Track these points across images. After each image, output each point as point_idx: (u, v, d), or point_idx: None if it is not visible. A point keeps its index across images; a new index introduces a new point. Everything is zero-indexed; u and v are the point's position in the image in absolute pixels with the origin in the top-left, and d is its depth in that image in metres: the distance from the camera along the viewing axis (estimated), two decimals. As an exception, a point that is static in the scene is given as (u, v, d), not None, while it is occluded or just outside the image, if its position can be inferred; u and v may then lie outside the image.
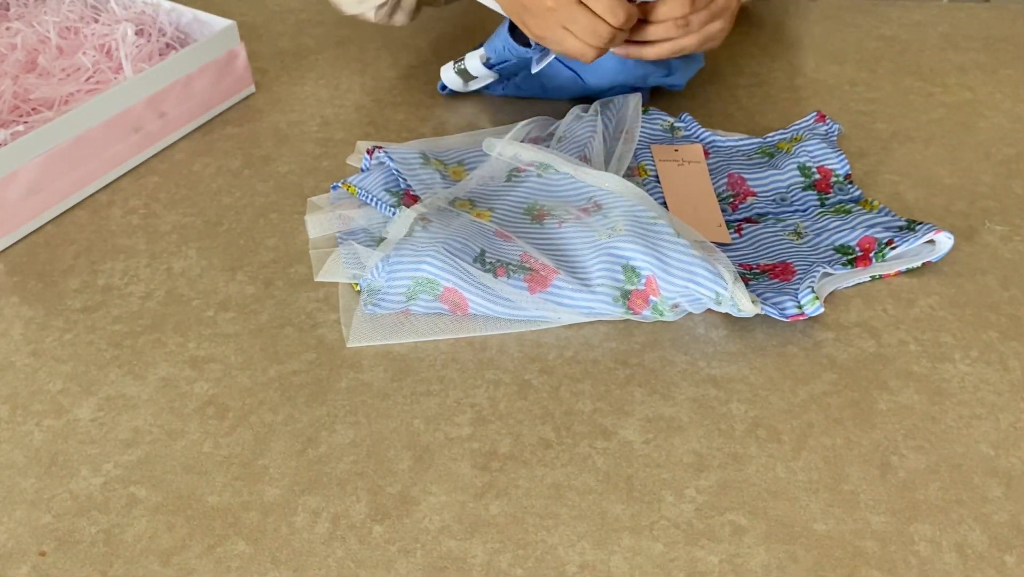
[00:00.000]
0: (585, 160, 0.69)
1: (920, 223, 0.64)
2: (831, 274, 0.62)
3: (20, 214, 0.67)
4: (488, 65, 0.77)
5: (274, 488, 0.51)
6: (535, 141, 0.73)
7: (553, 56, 0.72)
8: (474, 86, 0.81)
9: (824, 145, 0.71)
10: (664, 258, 0.58)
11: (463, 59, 0.78)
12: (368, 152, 0.70)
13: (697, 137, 0.75)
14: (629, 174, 0.70)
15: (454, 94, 0.82)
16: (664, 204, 0.68)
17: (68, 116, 0.68)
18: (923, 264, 0.64)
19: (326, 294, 0.63)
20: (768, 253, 0.65)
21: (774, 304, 0.59)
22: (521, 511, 0.50)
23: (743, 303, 0.57)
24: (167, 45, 0.82)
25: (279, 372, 0.58)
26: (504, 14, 0.70)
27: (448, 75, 0.80)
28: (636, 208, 0.61)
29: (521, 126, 0.73)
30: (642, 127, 0.74)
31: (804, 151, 0.71)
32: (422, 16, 0.95)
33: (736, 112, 0.80)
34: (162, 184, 0.73)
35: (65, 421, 0.55)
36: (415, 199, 0.66)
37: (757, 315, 0.59)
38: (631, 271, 0.59)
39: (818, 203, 0.69)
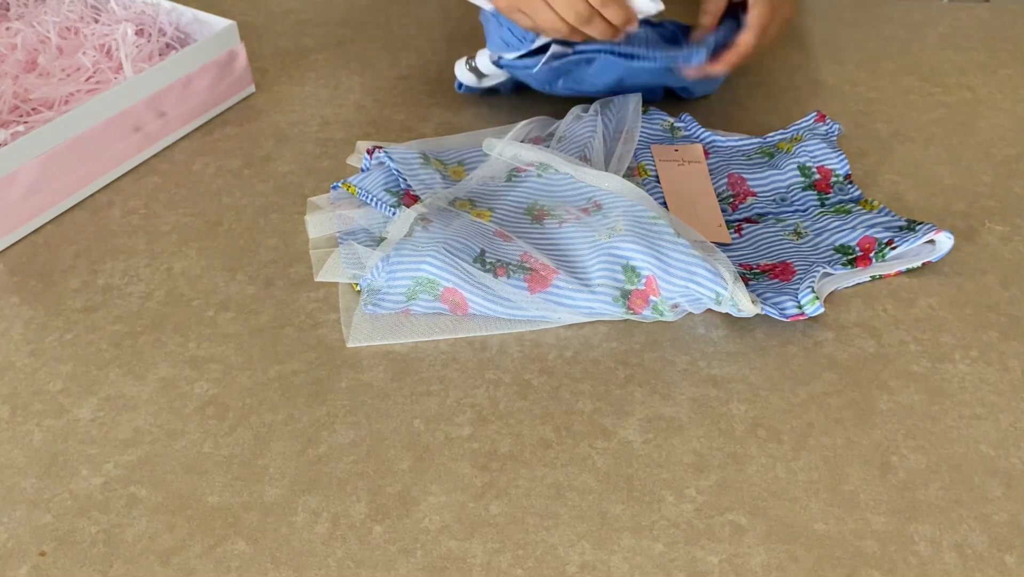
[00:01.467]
0: (585, 160, 0.69)
1: (920, 223, 0.64)
2: (831, 274, 0.62)
3: (20, 214, 0.67)
4: (497, 64, 0.76)
5: (274, 488, 0.51)
6: (535, 141, 0.73)
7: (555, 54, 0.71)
8: (488, 83, 0.79)
9: (824, 145, 0.71)
10: (664, 258, 0.58)
11: (475, 56, 0.77)
12: (368, 152, 0.70)
13: (697, 137, 0.75)
14: (629, 174, 0.70)
15: (471, 90, 0.81)
16: (664, 204, 0.68)
17: (68, 116, 0.68)
18: (923, 264, 0.64)
19: (326, 294, 0.63)
20: (768, 253, 0.65)
21: (774, 304, 0.59)
22: (521, 511, 0.50)
23: (743, 303, 0.57)
24: (167, 45, 0.82)
25: (279, 372, 0.58)
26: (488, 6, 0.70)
27: (461, 71, 0.79)
28: (636, 208, 0.61)
29: (521, 126, 0.73)
30: (642, 127, 0.74)
31: (804, 151, 0.71)
32: (423, 17, 0.95)
33: (736, 112, 0.80)
34: (162, 184, 0.73)
35: (65, 421, 0.55)
36: (415, 199, 0.66)
37: (757, 315, 0.59)
38: (631, 271, 0.59)
39: (818, 203, 0.69)
